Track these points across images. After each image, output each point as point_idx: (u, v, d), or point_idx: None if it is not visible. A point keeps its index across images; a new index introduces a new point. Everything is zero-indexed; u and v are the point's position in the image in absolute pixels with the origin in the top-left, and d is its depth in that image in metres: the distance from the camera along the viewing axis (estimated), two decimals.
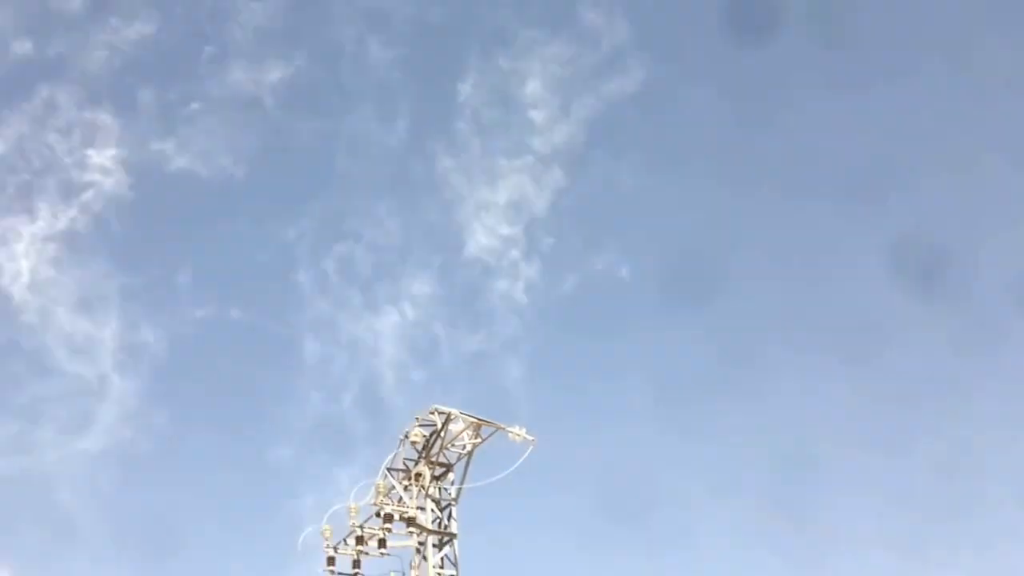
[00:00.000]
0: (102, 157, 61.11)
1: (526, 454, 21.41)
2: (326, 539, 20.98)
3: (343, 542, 21.21)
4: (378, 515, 20.87)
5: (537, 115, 62.18)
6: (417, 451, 21.79)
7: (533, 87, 61.38)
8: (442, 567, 21.19)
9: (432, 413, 21.57)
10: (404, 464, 21.92)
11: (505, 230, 66.68)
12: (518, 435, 21.49)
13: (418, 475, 21.55)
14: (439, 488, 21.82)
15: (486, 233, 66.78)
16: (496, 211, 58.24)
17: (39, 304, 60.89)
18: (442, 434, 21.52)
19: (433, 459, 21.72)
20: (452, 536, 21.54)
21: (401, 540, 21.53)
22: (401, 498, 21.17)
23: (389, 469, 21.52)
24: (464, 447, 21.69)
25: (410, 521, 20.95)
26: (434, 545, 21.26)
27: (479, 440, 21.65)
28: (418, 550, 21.25)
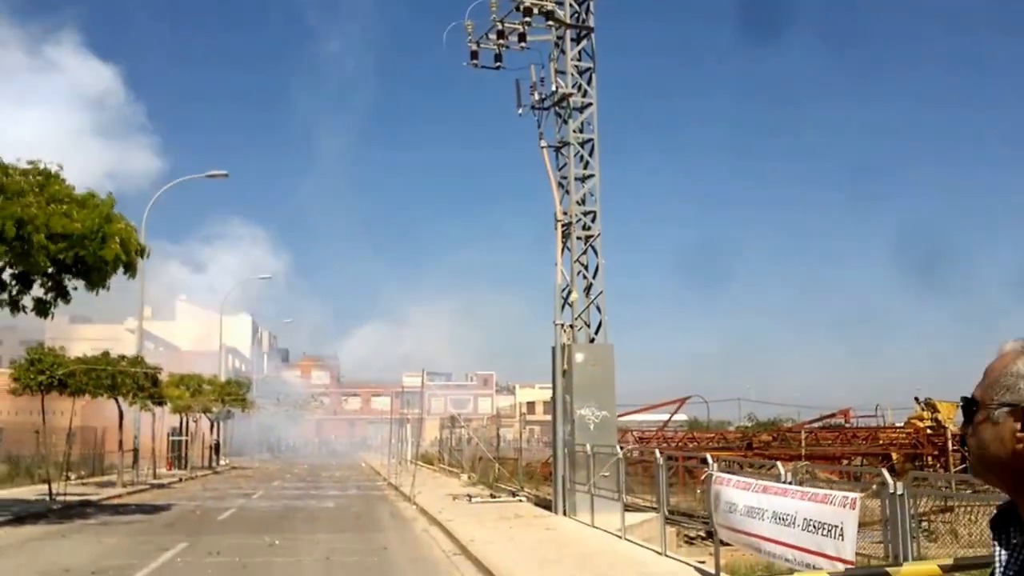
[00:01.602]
0: None
1: None
2: (469, 33, 21.81)
3: (485, 36, 22.00)
4: (518, 9, 21.32)
5: None
6: None
7: None
8: (579, 60, 22.00)
9: None
10: None
11: None
12: None
13: None
14: None
15: None
16: None
17: None
18: None
19: None
20: (590, 30, 21.97)
21: (541, 35, 22.22)
22: None
23: None
24: None
25: (549, 15, 21.41)
26: (572, 39, 21.84)
27: None
28: (556, 44, 21.96)
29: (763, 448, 30.67)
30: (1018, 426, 1.62)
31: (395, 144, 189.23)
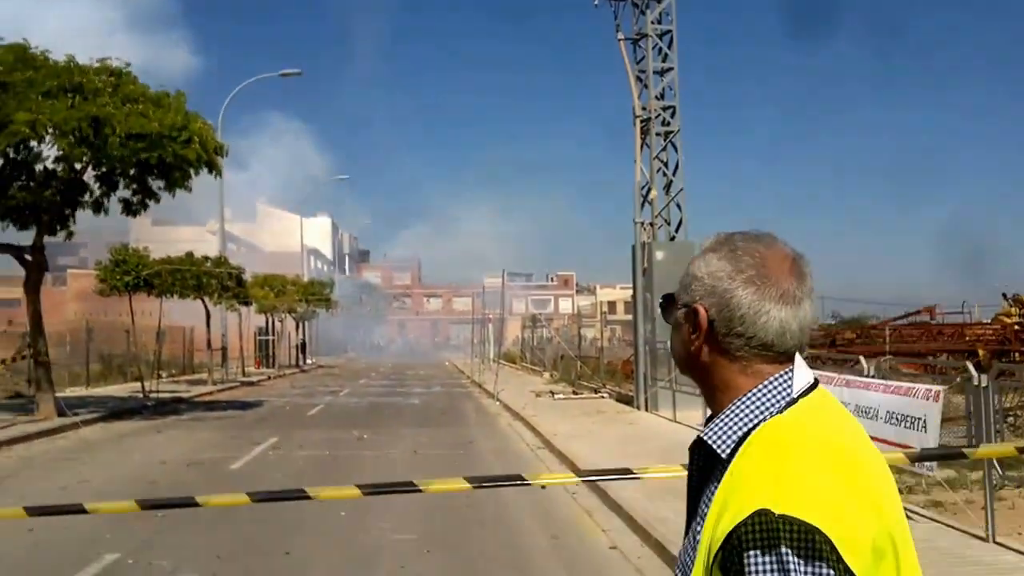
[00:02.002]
0: None
1: None
2: None
3: None
4: None
5: None
6: None
7: None
8: None
9: None
10: None
11: None
12: None
13: None
14: None
15: None
16: None
17: None
18: None
19: None
20: None
21: None
22: None
23: None
24: None
25: None
26: None
27: None
28: None
29: (846, 345, 30.16)
30: (689, 327, 1.54)
31: (464, 38, 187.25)
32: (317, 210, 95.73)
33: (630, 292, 22.11)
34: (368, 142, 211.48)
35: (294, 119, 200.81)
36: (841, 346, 30.11)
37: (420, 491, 4.88)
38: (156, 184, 20.35)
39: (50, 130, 17.30)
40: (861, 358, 11.11)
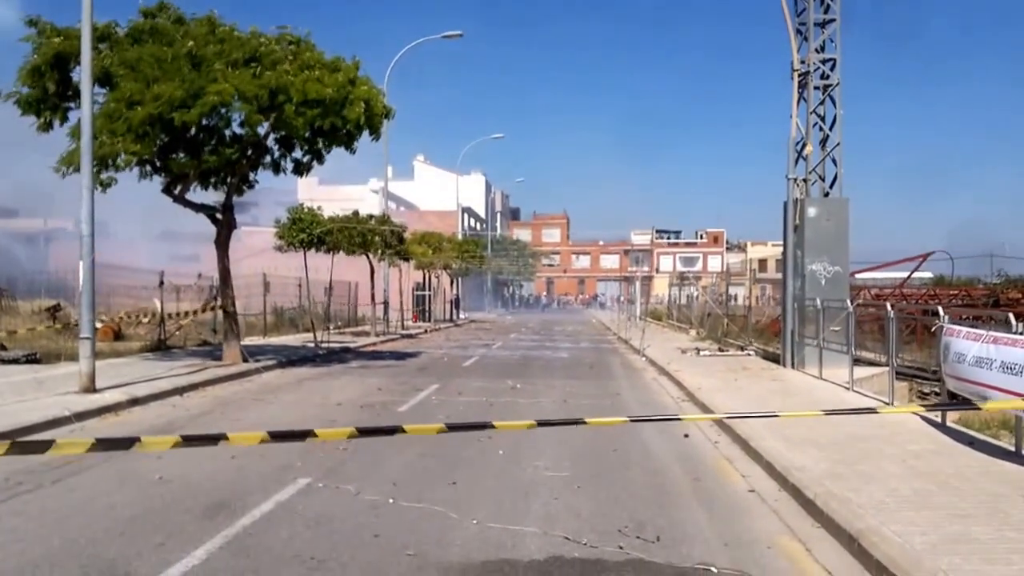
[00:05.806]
0: None
1: None
2: None
3: None
4: None
5: None
6: None
7: None
8: None
9: None
10: None
11: None
12: None
13: None
14: None
15: None
16: None
17: None
18: None
19: None
20: None
21: None
22: None
23: None
24: None
25: None
26: None
27: None
28: None
29: (1011, 305, 29.16)
30: None
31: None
32: (472, 168, 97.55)
33: (782, 250, 22.20)
34: (520, 101, 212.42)
35: (452, 80, 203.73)
36: (1006, 306, 29.14)
37: (585, 423, 5.54)
38: (325, 146, 21.42)
39: (236, 100, 18.49)
40: (1010, 315, 11.17)
